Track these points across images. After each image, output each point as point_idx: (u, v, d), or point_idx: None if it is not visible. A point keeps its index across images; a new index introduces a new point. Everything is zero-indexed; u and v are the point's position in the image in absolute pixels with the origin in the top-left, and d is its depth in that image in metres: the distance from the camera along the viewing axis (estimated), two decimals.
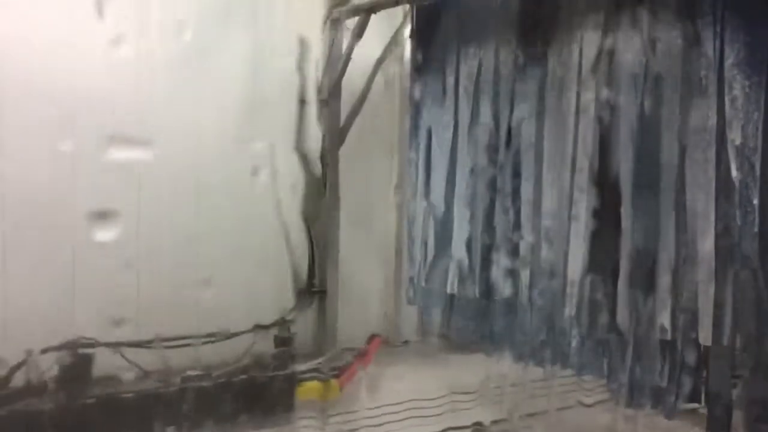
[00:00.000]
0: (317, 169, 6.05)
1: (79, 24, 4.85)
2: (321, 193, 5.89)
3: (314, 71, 5.98)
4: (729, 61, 3.67)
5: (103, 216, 4.86)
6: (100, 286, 5.04)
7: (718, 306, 3.54)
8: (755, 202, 3.42)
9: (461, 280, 5.59)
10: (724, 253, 3.53)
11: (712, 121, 3.67)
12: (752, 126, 3.51)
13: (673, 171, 3.91)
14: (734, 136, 3.55)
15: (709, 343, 3.58)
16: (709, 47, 3.79)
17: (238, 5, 5.69)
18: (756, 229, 3.40)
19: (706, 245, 3.60)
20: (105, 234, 4.83)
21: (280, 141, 5.92)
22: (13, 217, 4.77)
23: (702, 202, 3.66)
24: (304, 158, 5.99)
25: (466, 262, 5.56)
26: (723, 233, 3.55)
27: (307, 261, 6.01)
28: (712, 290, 3.56)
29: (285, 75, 5.94)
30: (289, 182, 5.97)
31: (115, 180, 5.05)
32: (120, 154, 4.97)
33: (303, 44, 5.95)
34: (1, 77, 4.73)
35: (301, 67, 5.96)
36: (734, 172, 3.51)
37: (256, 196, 5.78)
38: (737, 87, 3.60)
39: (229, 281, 5.59)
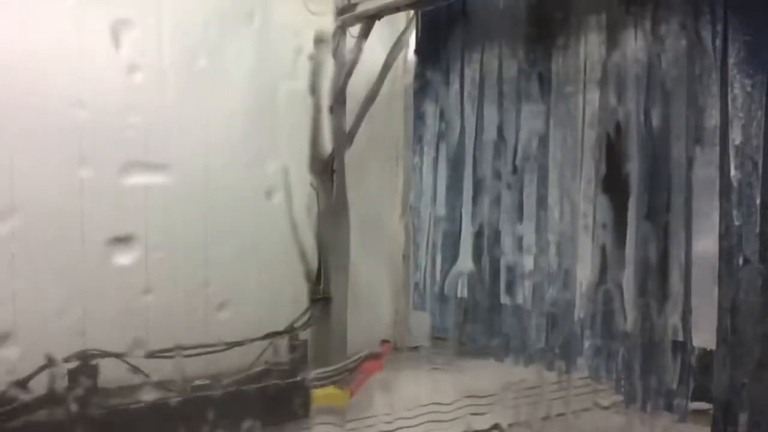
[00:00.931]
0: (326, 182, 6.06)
1: (96, 54, 4.90)
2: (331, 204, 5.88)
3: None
4: (731, 61, 3.68)
5: (120, 240, 4.89)
6: (117, 306, 5.07)
7: (721, 307, 3.54)
8: (758, 201, 3.41)
9: (469, 287, 5.62)
10: (727, 253, 3.53)
11: (715, 121, 3.68)
12: (755, 125, 3.50)
13: (680, 172, 3.91)
14: (734, 136, 3.55)
15: (711, 345, 3.57)
16: (710, 47, 3.80)
17: (248, 32, 5.72)
18: (758, 229, 3.39)
19: (710, 246, 3.60)
20: (122, 257, 4.86)
21: (293, 157, 5.93)
22: (31, 243, 4.83)
23: (706, 203, 3.66)
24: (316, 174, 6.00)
25: (473, 269, 5.58)
26: (726, 234, 3.55)
27: (316, 269, 5.99)
28: (715, 292, 3.56)
29: (298, 95, 5.97)
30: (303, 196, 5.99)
31: (131, 204, 5.10)
32: (137, 179, 5.00)
33: (316, 65, 5.96)
34: (20, 109, 4.81)
35: (314, 88, 5.98)
36: (733, 171, 3.51)
37: (270, 212, 5.80)
38: (738, 86, 3.60)
39: (242, 292, 5.60)
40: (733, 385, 3.51)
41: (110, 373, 4.82)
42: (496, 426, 5.16)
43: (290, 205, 5.74)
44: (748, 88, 3.53)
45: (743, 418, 3.47)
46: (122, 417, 4.64)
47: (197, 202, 5.56)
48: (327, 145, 6.05)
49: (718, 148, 3.64)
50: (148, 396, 4.90)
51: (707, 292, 3.62)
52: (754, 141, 3.47)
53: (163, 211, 5.30)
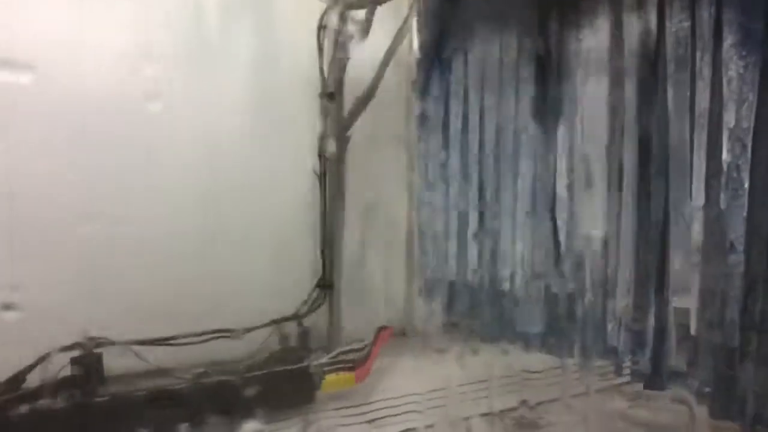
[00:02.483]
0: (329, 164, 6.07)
1: None
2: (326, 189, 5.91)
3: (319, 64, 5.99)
4: (727, 43, 3.60)
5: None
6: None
7: (703, 293, 3.49)
8: (746, 185, 3.34)
9: (474, 272, 5.61)
10: (713, 238, 3.48)
11: (705, 103, 3.62)
12: (746, 107, 3.43)
13: (679, 156, 3.85)
14: (728, 119, 3.49)
15: (694, 332, 3.53)
16: (706, 29, 3.73)
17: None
18: (745, 213, 3.33)
19: (695, 231, 3.55)
20: None
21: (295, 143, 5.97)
22: None
23: (695, 187, 3.61)
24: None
25: (477, 253, 5.57)
26: (713, 218, 3.50)
27: (319, 255, 6.04)
28: (698, 277, 3.51)
29: (300, 82, 5.97)
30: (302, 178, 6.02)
31: None
32: None
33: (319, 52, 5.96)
34: None
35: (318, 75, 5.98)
36: (725, 155, 3.45)
37: (267, 188, 5.84)
38: (733, 68, 3.53)
39: (241, 275, 5.66)
40: (716, 372, 3.47)
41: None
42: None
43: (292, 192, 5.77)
44: (741, 70, 3.46)
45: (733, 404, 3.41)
46: (125, 404, 4.71)
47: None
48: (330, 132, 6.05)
49: (706, 131, 3.58)
50: (152, 383, 4.98)
51: (691, 277, 3.57)
52: (744, 123, 3.40)
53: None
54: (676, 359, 3.87)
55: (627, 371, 4.34)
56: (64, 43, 5.03)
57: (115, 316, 5.07)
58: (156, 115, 5.25)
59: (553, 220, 4.95)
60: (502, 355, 5.45)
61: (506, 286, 5.32)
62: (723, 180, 3.42)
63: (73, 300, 5.06)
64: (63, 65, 4.98)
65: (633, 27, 4.22)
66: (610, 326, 4.31)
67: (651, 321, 3.97)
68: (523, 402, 5.35)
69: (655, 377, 4.00)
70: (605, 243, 4.40)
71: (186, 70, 5.51)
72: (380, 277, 6.38)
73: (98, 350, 4.81)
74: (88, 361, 4.74)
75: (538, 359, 5.30)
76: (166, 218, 5.44)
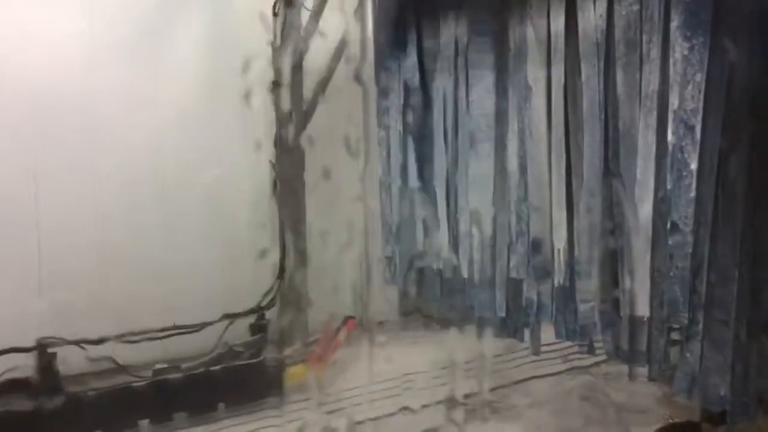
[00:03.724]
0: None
1: None
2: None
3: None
4: (674, 24, 3.60)
5: None
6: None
7: (653, 274, 3.51)
8: (693, 167, 3.34)
9: (439, 257, 5.60)
10: (661, 219, 3.49)
11: (654, 86, 3.62)
12: (692, 89, 3.43)
13: (629, 138, 3.85)
14: (673, 100, 3.49)
15: (646, 312, 3.54)
16: (655, 10, 3.73)
17: None
18: (692, 195, 3.33)
19: (645, 212, 3.56)
20: None
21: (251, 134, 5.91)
22: None
23: (642, 169, 3.61)
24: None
25: (445, 238, 5.56)
26: (661, 200, 3.51)
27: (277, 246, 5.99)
28: (648, 258, 3.52)
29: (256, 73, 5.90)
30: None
31: None
32: None
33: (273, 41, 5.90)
34: None
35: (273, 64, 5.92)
36: (669, 136, 3.45)
37: (222, 179, 5.78)
38: (678, 50, 3.53)
39: (198, 270, 5.61)
40: (666, 353, 3.49)
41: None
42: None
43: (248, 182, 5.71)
44: (686, 52, 3.46)
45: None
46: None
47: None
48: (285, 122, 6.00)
49: (656, 113, 3.58)
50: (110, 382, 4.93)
51: (640, 259, 3.59)
52: (690, 105, 3.41)
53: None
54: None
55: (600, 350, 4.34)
56: (8, 34, 4.93)
57: (70, 315, 4.99)
58: (105, 107, 5.17)
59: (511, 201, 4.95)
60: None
61: (466, 271, 5.32)
62: (669, 161, 3.42)
63: (27, 300, 4.98)
64: (7, 56, 4.88)
65: (586, 11, 4.20)
66: (582, 306, 4.30)
67: (624, 300, 3.95)
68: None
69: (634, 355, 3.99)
70: (571, 224, 4.39)
71: (134, 60, 5.41)
72: (339, 267, 6.33)
73: (51, 350, 4.73)
74: (40, 361, 4.67)
75: None
76: (118, 213, 5.36)
